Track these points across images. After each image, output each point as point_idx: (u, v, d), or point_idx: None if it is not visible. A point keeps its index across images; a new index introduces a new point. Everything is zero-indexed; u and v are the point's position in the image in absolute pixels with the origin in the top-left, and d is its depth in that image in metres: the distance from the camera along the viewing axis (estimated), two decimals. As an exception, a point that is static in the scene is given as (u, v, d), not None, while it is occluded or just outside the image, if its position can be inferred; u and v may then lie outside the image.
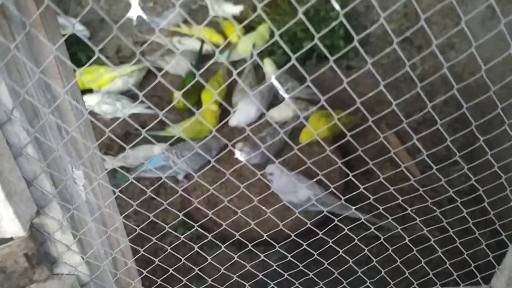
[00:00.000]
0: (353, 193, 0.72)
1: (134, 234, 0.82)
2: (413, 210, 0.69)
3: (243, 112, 1.71)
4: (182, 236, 0.75)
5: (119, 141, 0.54)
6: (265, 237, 0.78)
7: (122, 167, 1.57)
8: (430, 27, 2.01)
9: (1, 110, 0.44)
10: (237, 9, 2.18)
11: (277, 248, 0.81)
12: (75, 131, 0.52)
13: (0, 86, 0.42)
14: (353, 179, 0.66)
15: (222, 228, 0.89)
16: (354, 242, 0.78)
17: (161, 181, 1.53)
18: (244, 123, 1.68)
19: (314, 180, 1.29)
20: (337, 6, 0.42)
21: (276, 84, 0.49)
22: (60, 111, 0.51)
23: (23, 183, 0.49)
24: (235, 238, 0.83)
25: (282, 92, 1.60)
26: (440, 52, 1.94)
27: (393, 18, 2.15)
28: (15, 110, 0.44)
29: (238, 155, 1.47)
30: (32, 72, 0.47)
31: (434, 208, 0.71)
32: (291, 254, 0.76)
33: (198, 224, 0.78)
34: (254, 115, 1.72)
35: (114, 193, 0.65)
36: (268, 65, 1.89)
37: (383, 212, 0.70)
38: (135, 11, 0.39)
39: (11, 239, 0.52)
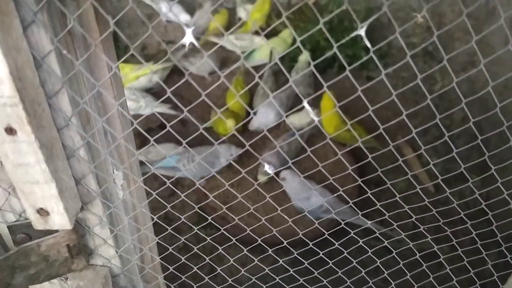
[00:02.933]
0: (365, 203, 0.76)
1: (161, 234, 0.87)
2: (425, 229, 0.72)
3: (262, 117, 1.76)
4: (196, 227, 0.80)
5: (148, 136, 0.59)
6: (284, 243, 0.83)
7: (142, 162, 1.63)
8: (453, 42, 2.03)
9: (61, 117, 0.49)
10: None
11: (295, 253, 0.85)
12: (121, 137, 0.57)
13: (63, 96, 0.47)
14: (362, 184, 0.69)
15: (237, 229, 0.93)
16: (368, 254, 0.82)
17: (173, 179, 1.58)
18: (263, 127, 1.73)
19: (326, 183, 1.33)
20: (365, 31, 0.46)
21: (307, 107, 0.52)
22: (109, 117, 0.56)
23: (72, 181, 0.54)
24: (246, 240, 0.87)
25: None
26: (461, 69, 1.97)
27: (416, 32, 2.17)
28: (73, 117, 0.49)
29: (266, 168, 1.54)
30: (88, 82, 0.52)
31: (446, 228, 0.75)
32: (308, 261, 0.80)
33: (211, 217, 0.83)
34: (273, 119, 1.76)
35: (148, 193, 0.70)
36: (304, 56, 1.95)
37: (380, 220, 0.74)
38: (188, 38, 0.43)
39: (56, 231, 0.58)
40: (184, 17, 2.17)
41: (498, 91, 1.66)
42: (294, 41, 2.08)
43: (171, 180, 0.64)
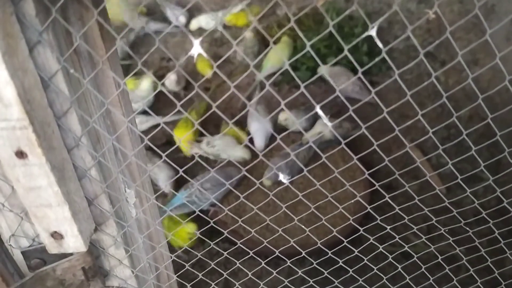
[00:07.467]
0: (377, 209, 0.74)
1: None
2: (446, 231, 0.71)
3: (258, 136, 1.73)
4: (211, 243, 0.78)
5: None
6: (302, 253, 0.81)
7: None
8: (454, 42, 2.02)
9: (70, 137, 0.48)
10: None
11: (314, 263, 0.83)
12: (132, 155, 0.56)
13: (72, 116, 0.47)
14: (379, 188, 0.68)
15: (250, 243, 0.91)
16: (388, 261, 0.80)
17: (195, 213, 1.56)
18: (265, 142, 1.71)
19: (340, 191, 1.30)
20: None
21: (320, 112, 0.52)
22: (118, 136, 0.55)
23: (85, 202, 0.53)
24: (259, 252, 0.85)
25: (325, 120, 1.65)
26: (464, 68, 1.96)
27: (416, 34, 2.17)
28: (82, 137, 0.48)
29: (281, 177, 1.53)
30: (96, 100, 0.51)
31: (467, 228, 0.73)
32: (327, 271, 0.79)
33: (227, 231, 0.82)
34: (271, 131, 1.74)
35: (160, 210, 0.69)
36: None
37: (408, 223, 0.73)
38: (196, 49, 0.42)
39: (71, 254, 0.57)
40: (182, 19, 2.27)
41: (504, 87, 1.65)
42: (295, 44, 2.09)
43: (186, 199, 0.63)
